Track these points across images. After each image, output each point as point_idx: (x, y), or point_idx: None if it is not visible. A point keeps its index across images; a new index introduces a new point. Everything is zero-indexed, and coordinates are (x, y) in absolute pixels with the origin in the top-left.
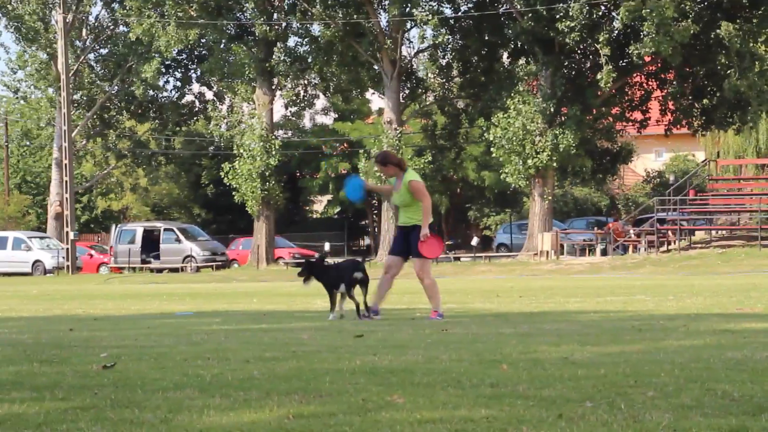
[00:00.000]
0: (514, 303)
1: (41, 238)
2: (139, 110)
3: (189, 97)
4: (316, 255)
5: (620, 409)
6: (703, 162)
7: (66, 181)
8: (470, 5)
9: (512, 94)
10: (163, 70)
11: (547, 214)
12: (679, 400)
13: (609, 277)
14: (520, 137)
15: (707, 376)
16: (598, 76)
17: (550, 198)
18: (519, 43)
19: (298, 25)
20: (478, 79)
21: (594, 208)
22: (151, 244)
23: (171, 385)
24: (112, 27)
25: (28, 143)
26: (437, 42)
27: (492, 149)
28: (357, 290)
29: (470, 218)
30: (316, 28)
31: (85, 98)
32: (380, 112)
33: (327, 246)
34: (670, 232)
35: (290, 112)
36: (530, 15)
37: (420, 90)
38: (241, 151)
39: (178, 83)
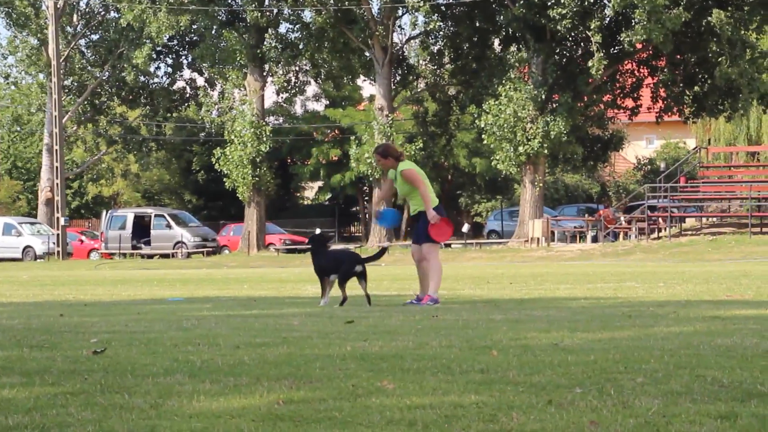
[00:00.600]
0: (505, 289)
1: (32, 223)
2: (130, 96)
3: (180, 83)
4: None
5: (610, 395)
6: (694, 149)
7: (57, 167)
8: None
9: (503, 81)
10: (154, 56)
11: (537, 201)
12: (668, 386)
13: (599, 263)
14: (511, 124)
15: (697, 362)
16: (590, 64)
17: (541, 185)
18: (510, 30)
19: (289, 11)
20: (470, 66)
21: (585, 195)
22: (141, 230)
23: (161, 371)
24: (103, 13)
25: (18, 129)
26: (429, 29)
27: (483, 136)
28: (353, 282)
29: (461, 205)
30: (307, 15)
31: (75, 84)
32: (371, 98)
33: (318, 232)
34: (660, 220)
35: (281, 98)
36: (522, 2)
37: (411, 77)
38: (232, 137)
39: (169, 69)
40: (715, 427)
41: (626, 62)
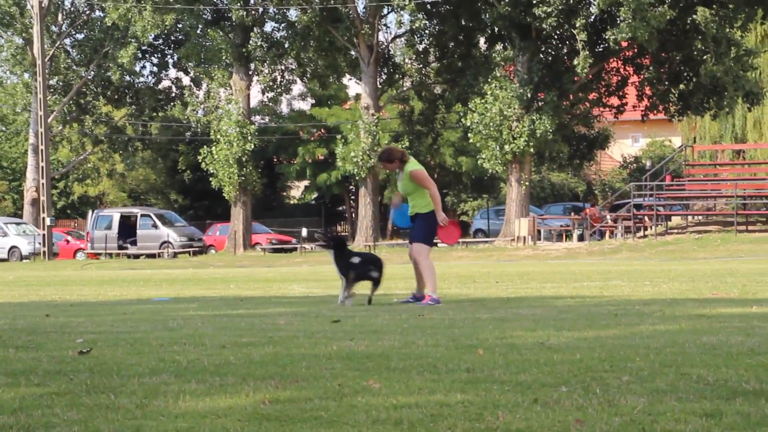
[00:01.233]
0: (491, 288)
1: (17, 224)
2: (116, 96)
3: (166, 83)
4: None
5: (595, 393)
6: (679, 147)
7: (42, 167)
8: None
9: (489, 80)
10: (140, 55)
11: (524, 199)
12: (653, 384)
13: (586, 262)
14: (497, 123)
15: (682, 360)
16: (575, 62)
17: (527, 184)
18: (496, 29)
19: (274, 10)
20: (455, 65)
21: (571, 194)
22: (127, 229)
23: (147, 371)
24: (88, 12)
25: (3, 129)
26: (414, 27)
27: (469, 135)
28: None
29: (447, 204)
30: (293, 13)
31: (61, 83)
32: (357, 97)
33: (304, 231)
34: (646, 218)
35: (267, 97)
36: (507, 0)
37: (397, 75)
38: (218, 136)
39: (155, 68)
40: (700, 425)
41: (611, 60)
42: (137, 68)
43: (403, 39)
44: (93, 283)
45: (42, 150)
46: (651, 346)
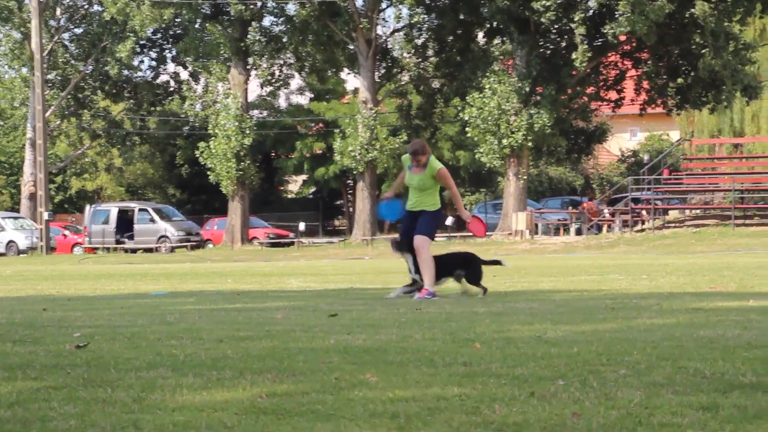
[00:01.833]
0: (488, 282)
1: (15, 218)
2: (114, 90)
3: (164, 77)
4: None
5: (592, 386)
6: (677, 141)
7: (40, 161)
8: None
9: (487, 74)
10: (138, 49)
11: (521, 193)
12: (650, 377)
13: (583, 256)
14: (495, 117)
15: (679, 354)
16: (573, 56)
17: (524, 178)
18: (494, 23)
19: (273, 4)
20: (454, 59)
21: (569, 188)
22: (125, 224)
23: (144, 365)
24: (86, 6)
25: (1, 123)
26: (413, 21)
27: (467, 129)
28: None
29: (445, 198)
30: (291, 8)
31: (59, 78)
32: (356, 91)
33: (302, 226)
34: (644, 212)
35: (265, 91)
36: None
37: (395, 69)
38: (216, 130)
39: (153, 63)
40: (697, 419)
41: (610, 54)
42: (135, 63)
43: (401, 33)
44: (90, 277)
45: (40, 144)
46: (648, 340)
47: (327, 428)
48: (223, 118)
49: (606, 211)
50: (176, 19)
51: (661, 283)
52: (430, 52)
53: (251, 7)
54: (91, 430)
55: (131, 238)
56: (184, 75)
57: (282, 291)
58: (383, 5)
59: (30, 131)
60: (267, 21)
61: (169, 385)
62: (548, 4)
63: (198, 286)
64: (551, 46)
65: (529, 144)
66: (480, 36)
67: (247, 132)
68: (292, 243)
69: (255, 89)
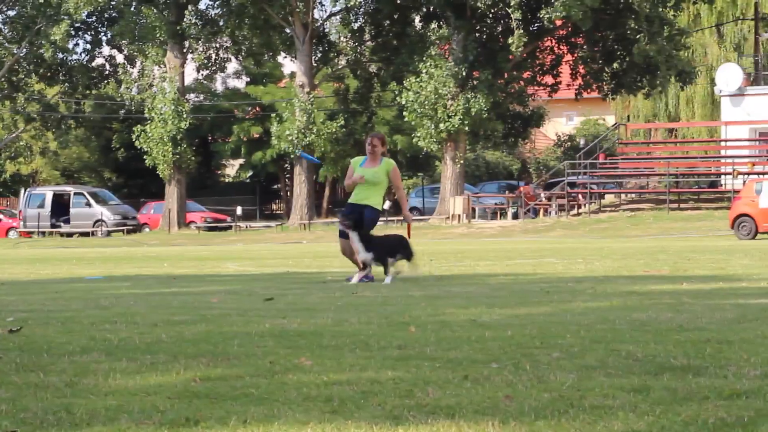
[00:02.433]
0: (425, 266)
1: None
2: (48, 73)
3: (99, 60)
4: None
5: (525, 369)
6: (613, 126)
7: None
8: None
9: (424, 58)
10: (73, 32)
11: (458, 177)
12: (583, 360)
13: (520, 240)
14: (432, 101)
15: (612, 337)
16: (510, 41)
17: (461, 162)
18: (431, 7)
19: None
20: (391, 43)
21: (505, 172)
22: (60, 208)
23: (77, 349)
24: None
25: None
26: (349, 5)
27: (404, 113)
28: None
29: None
30: None
31: None
32: (292, 75)
33: (239, 210)
34: (580, 196)
35: (202, 75)
36: None
37: (332, 54)
38: (152, 114)
39: (88, 46)
40: (628, 401)
41: (546, 39)
42: (70, 46)
43: (338, 17)
44: (25, 261)
45: None
46: (582, 323)
47: (260, 412)
48: (159, 102)
49: (542, 195)
50: (111, 2)
51: (596, 266)
52: (366, 37)
53: None
54: (23, 415)
55: (67, 222)
56: (119, 58)
57: (218, 275)
58: None
59: None
60: (203, 4)
61: (102, 369)
62: None
63: (134, 271)
64: (488, 31)
65: (466, 128)
66: (417, 20)
67: (184, 116)
68: (230, 227)
69: (191, 73)
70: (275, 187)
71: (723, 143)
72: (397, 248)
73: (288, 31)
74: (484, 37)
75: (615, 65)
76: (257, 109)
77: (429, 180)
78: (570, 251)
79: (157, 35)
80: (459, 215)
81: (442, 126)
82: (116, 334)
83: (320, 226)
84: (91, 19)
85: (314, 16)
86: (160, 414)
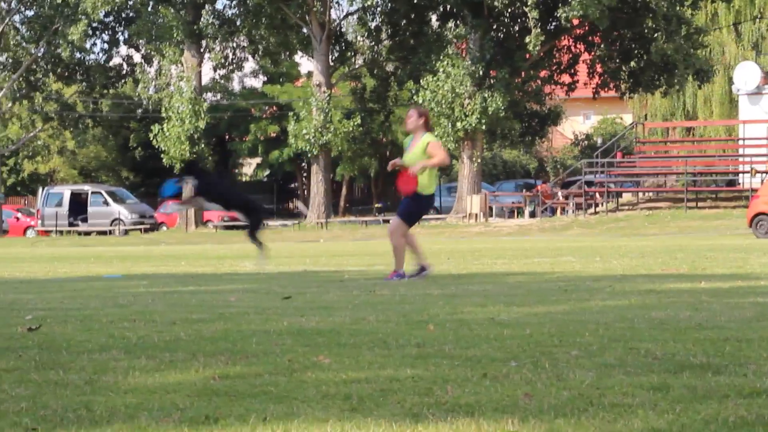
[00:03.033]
0: (442, 265)
1: None
2: (66, 73)
3: (116, 60)
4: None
5: (544, 368)
6: (630, 125)
7: None
8: None
9: (441, 57)
10: (90, 32)
11: (475, 176)
12: (602, 359)
13: (537, 239)
14: (449, 100)
15: (631, 335)
16: (527, 40)
17: (478, 161)
18: (448, 6)
19: None
20: (408, 42)
21: (523, 171)
22: (78, 207)
23: (96, 347)
24: None
25: None
26: (366, 5)
27: None
28: None
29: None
30: None
31: (10, 60)
32: (309, 75)
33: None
34: (597, 195)
35: (219, 75)
36: None
37: (349, 53)
38: (170, 113)
39: (106, 46)
40: (647, 399)
41: (563, 38)
42: (87, 45)
43: (355, 16)
44: (43, 260)
45: None
46: (600, 321)
47: (280, 410)
48: (177, 101)
49: (560, 194)
50: (129, 2)
51: (614, 265)
52: (383, 36)
53: None
54: (43, 412)
55: (84, 220)
56: (137, 58)
57: (236, 274)
58: None
59: None
60: (220, 4)
61: (121, 367)
62: None
63: (151, 269)
64: (505, 30)
65: (483, 127)
66: (434, 19)
67: (201, 115)
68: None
69: (209, 72)
70: (292, 185)
71: (741, 142)
72: None
73: (305, 30)
74: (501, 36)
75: (632, 64)
76: (274, 108)
77: (446, 179)
78: (587, 250)
79: (174, 35)
80: (476, 214)
81: (459, 125)
82: (135, 332)
83: (337, 225)
84: (108, 19)
85: (331, 16)
86: (180, 412)
